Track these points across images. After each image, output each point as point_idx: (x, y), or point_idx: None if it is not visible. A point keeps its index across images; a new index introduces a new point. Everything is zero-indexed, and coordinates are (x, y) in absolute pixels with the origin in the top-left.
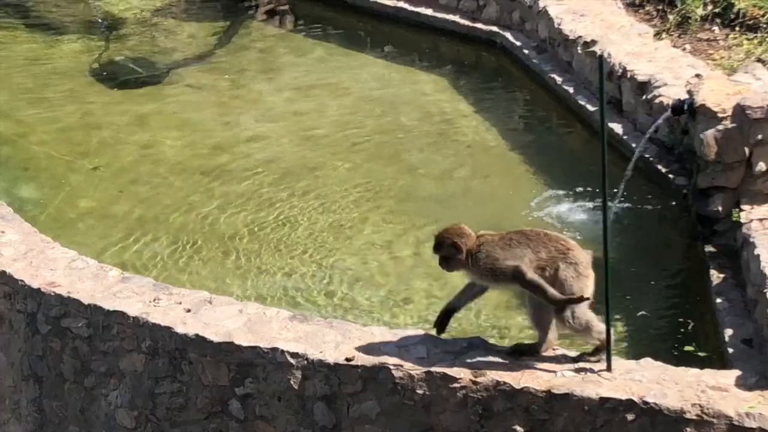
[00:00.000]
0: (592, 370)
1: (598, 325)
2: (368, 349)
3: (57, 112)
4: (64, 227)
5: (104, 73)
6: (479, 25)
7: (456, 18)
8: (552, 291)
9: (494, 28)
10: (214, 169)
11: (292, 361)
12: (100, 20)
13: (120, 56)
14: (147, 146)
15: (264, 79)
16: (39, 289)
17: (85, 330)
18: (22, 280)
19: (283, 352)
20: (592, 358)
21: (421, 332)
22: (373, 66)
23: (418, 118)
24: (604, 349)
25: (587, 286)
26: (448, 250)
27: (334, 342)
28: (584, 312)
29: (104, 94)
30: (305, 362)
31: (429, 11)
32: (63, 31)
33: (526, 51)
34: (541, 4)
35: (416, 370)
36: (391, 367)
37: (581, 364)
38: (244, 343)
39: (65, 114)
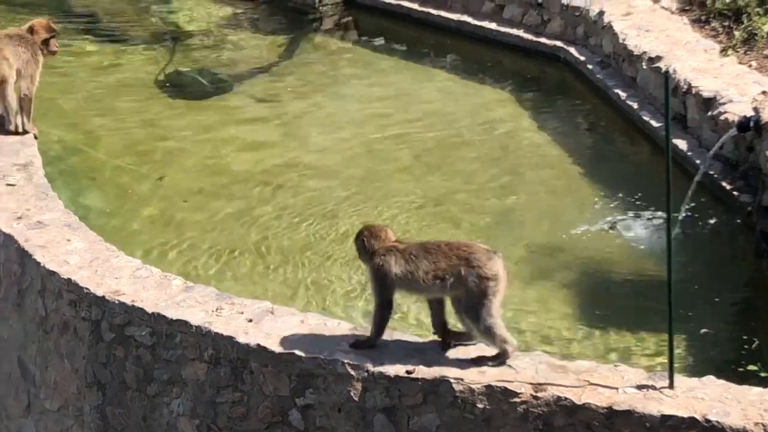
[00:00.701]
0: (654, 387)
1: (504, 334)
2: (429, 361)
3: (123, 122)
4: (129, 236)
5: (170, 85)
6: (543, 40)
7: (520, 32)
8: (374, 335)
9: (558, 43)
10: (277, 181)
11: (352, 372)
12: (166, 32)
13: (185, 68)
14: (211, 157)
15: (327, 91)
16: (104, 297)
17: (148, 338)
18: (87, 288)
19: (343, 363)
20: (490, 363)
21: (482, 346)
22: (436, 79)
23: (480, 131)
24: (505, 357)
25: (490, 287)
26: (359, 245)
27: (395, 354)
28: (492, 318)
29: (169, 105)
30: (366, 374)
31: (493, 25)
32: (130, 43)
33: (590, 66)
34: (606, 20)
35: (477, 383)
36: (452, 380)
37: (641, 381)
38: (305, 354)
39: (131, 124)
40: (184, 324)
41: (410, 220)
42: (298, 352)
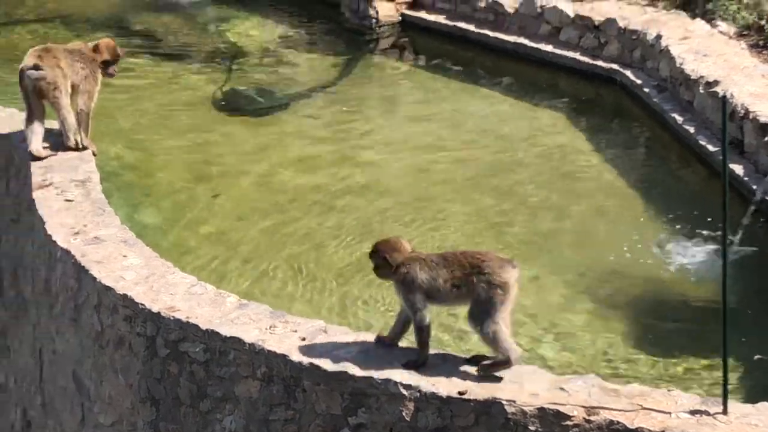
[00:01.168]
0: (707, 413)
1: (507, 341)
2: (481, 382)
3: (180, 140)
4: (185, 253)
5: (227, 103)
6: (599, 63)
7: (576, 55)
8: (422, 351)
9: (615, 66)
10: (332, 200)
11: (404, 392)
12: (224, 51)
13: (242, 86)
14: (266, 175)
15: (382, 111)
16: (159, 313)
17: (202, 355)
18: (142, 304)
19: (396, 383)
20: (486, 362)
21: (534, 368)
22: (492, 101)
23: (535, 153)
24: (503, 366)
25: (497, 294)
26: (380, 261)
27: (446, 375)
28: (496, 325)
29: (226, 123)
30: (418, 394)
31: (549, 47)
32: (188, 61)
33: (646, 89)
34: (663, 43)
35: (529, 405)
36: (504, 402)
37: (695, 406)
38: (358, 373)
39: (187, 142)
40: (237, 341)
41: (462, 240)
42: (350, 371)
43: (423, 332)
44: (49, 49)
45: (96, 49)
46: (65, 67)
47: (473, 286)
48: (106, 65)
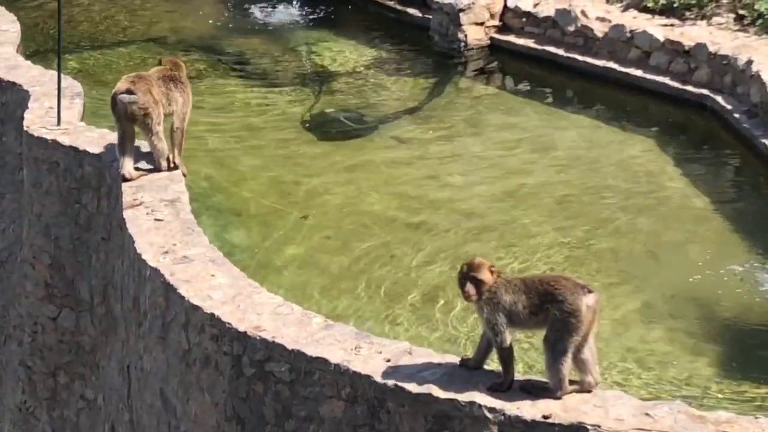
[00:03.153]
0: None
1: (563, 374)
2: (566, 407)
3: (269, 161)
4: (271, 273)
5: (315, 125)
6: (689, 88)
7: (666, 80)
8: (507, 375)
9: (705, 91)
10: (418, 222)
11: (489, 415)
12: (313, 73)
13: (331, 108)
14: (353, 196)
15: (470, 135)
16: (245, 332)
17: (287, 375)
18: (229, 323)
19: (480, 406)
20: (536, 381)
21: (620, 393)
22: (581, 125)
23: (624, 179)
24: (547, 394)
25: (570, 323)
26: (466, 283)
27: (531, 398)
28: (563, 353)
29: (314, 145)
30: (502, 417)
31: (638, 72)
32: (278, 83)
33: (736, 115)
34: (755, 69)
35: (614, 431)
36: (589, 426)
37: None
38: (442, 396)
39: (276, 163)
40: (323, 361)
41: (549, 264)
42: (434, 393)
43: (505, 354)
44: (141, 76)
45: (175, 66)
46: (157, 94)
47: (548, 314)
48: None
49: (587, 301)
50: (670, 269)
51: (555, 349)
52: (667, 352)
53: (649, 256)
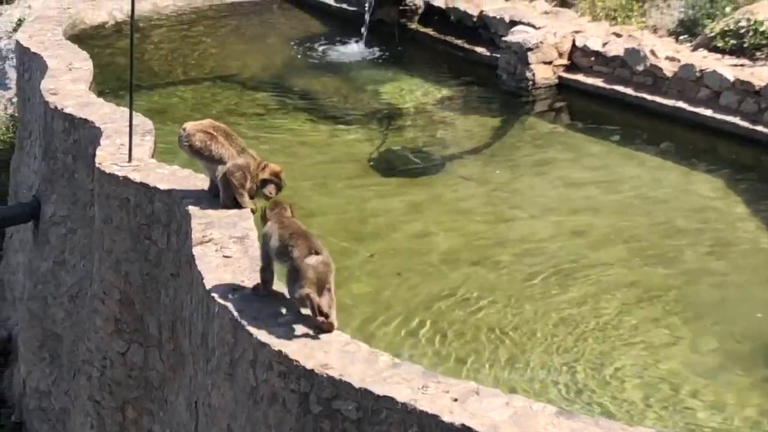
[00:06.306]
0: None
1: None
2: None
3: (336, 198)
4: (340, 311)
5: (382, 162)
6: (759, 128)
7: (736, 120)
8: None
9: None
10: (486, 261)
11: None
12: (380, 111)
13: (397, 146)
14: (420, 234)
15: (537, 173)
16: (312, 370)
17: (354, 413)
18: (296, 361)
19: None
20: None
21: None
22: (649, 165)
23: (693, 219)
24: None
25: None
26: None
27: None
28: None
29: (382, 183)
30: None
31: (708, 112)
32: (344, 121)
33: None
34: None
35: None
36: None
37: None
38: None
39: (343, 201)
40: (390, 400)
41: (617, 306)
42: None
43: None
44: (215, 126)
45: (261, 166)
46: (224, 142)
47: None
48: (264, 184)
49: (309, 261)
50: (739, 311)
51: (289, 289)
52: (734, 393)
53: (718, 298)
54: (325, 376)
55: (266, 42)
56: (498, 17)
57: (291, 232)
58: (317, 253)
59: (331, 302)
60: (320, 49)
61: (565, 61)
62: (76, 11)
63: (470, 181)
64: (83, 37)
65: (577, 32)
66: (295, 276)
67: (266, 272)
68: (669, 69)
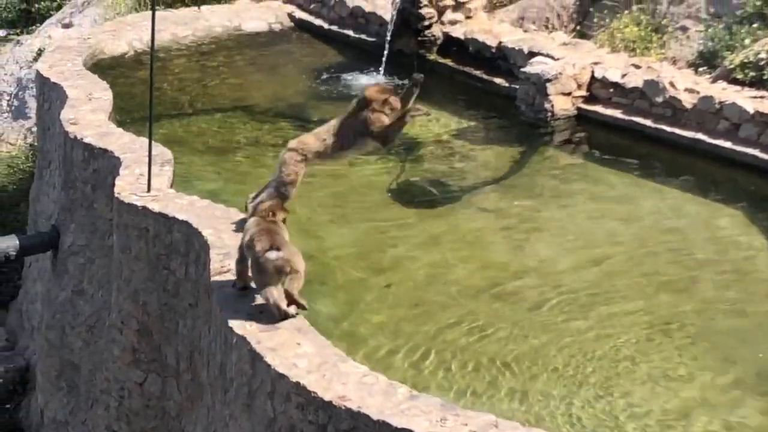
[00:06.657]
0: None
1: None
2: None
3: (354, 229)
4: (357, 342)
5: (400, 193)
6: None
7: (756, 152)
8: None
9: None
10: (503, 292)
11: None
12: (398, 142)
13: (416, 177)
14: (438, 266)
15: (556, 205)
16: (330, 402)
17: None
18: (314, 392)
19: None
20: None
21: None
22: (668, 197)
23: (712, 251)
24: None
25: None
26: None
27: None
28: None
29: (399, 213)
30: None
31: (728, 144)
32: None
33: None
34: None
35: None
36: None
37: None
38: None
39: (362, 231)
40: None
41: (635, 338)
42: None
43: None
44: None
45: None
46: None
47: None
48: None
49: (269, 255)
50: (758, 343)
51: (254, 280)
52: (753, 426)
53: (738, 330)
54: (343, 408)
55: (285, 72)
56: (517, 48)
57: (261, 229)
58: (278, 249)
59: (288, 293)
60: (339, 79)
61: (584, 93)
62: (96, 41)
63: (489, 212)
64: (103, 67)
65: (596, 63)
66: (257, 268)
67: (240, 264)
68: (688, 101)
